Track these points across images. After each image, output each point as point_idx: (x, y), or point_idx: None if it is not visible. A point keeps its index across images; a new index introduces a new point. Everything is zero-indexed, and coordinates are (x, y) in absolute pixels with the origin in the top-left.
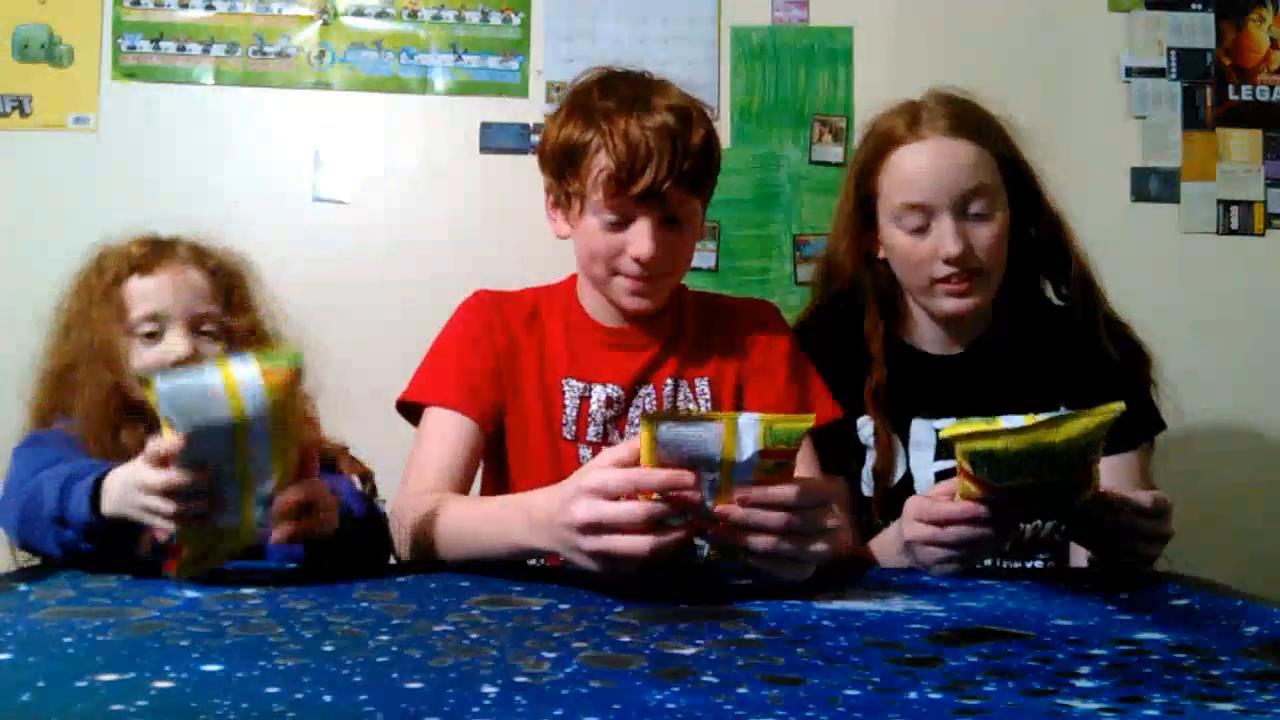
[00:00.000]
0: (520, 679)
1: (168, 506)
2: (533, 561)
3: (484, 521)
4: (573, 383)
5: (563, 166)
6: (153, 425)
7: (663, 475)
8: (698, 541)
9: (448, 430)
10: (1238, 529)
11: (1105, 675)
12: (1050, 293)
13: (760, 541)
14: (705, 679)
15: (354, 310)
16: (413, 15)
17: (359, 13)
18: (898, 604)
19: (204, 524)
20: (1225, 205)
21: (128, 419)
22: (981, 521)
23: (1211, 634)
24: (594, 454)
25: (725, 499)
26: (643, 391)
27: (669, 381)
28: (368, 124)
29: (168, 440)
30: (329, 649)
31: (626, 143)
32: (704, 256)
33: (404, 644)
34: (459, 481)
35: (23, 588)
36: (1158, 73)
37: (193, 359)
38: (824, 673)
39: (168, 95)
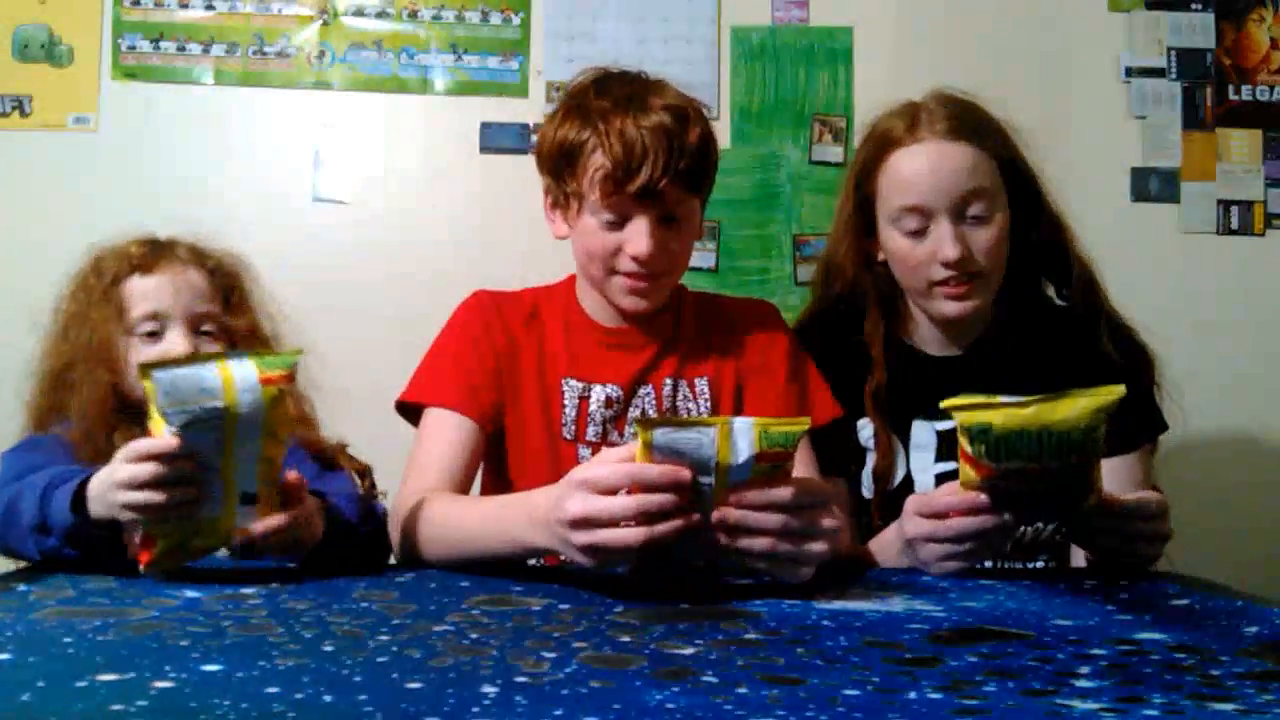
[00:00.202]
0: (520, 679)
1: (142, 498)
2: (532, 561)
3: (484, 521)
4: (572, 383)
5: (560, 166)
6: (145, 425)
7: (657, 469)
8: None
9: (448, 430)
10: (1238, 529)
11: (1105, 675)
12: (1052, 293)
13: (757, 544)
14: (705, 679)
15: (354, 310)
16: (413, 15)
17: (359, 13)
18: (898, 604)
19: (184, 514)
20: (1225, 205)
21: (123, 420)
22: (981, 511)
23: (1211, 634)
24: (593, 454)
25: (721, 503)
26: (642, 391)
27: (668, 381)
28: (368, 124)
29: (155, 437)
30: (329, 649)
31: (623, 142)
32: (704, 256)
33: (404, 644)
34: (459, 482)
35: (22, 588)
36: (1158, 73)
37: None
38: (824, 673)
39: (168, 95)
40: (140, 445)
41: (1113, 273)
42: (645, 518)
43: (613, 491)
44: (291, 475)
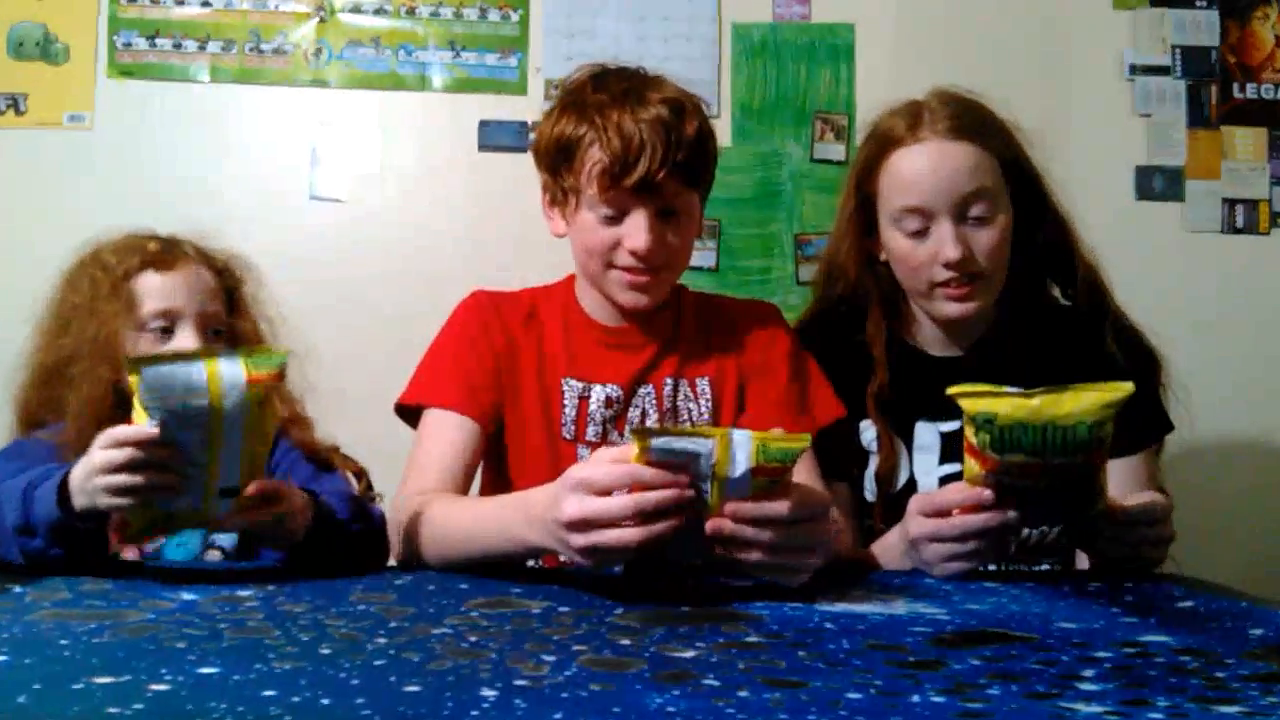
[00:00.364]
0: (519, 682)
1: (119, 481)
2: (531, 562)
3: (482, 520)
4: (572, 382)
5: (558, 162)
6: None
7: (653, 470)
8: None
9: (447, 430)
10: (1243, 530)
11: (1109, 678)
12: (1057, 293)
13: (752, 556)
14: (706, 682)
15: (351, 308)
16: (410, 12)
17: (356, 9)
18: (900, 607)
19: (162, 500)
20: (1230, 204)
21: (120, 419)
22: (985, 508)
23: (1216, 636)
24: (593, 454)
25: (718, 508)
26: (642, 391)
27: (668, 381)
28: (365, 121)
29: (137, 426)
30: (326, 652)
31: (620, 135)
32: (704, 256)
33: (402, 647)
34: (459, 482)
35: (18, 589)
36: (1162, 70)
37: None
38: (826, 676)
39: (163, 93)
40: (118, 431)
41: (1117, 272)
42: (642, 517)
43: (609, 492)
44: (268, 483)
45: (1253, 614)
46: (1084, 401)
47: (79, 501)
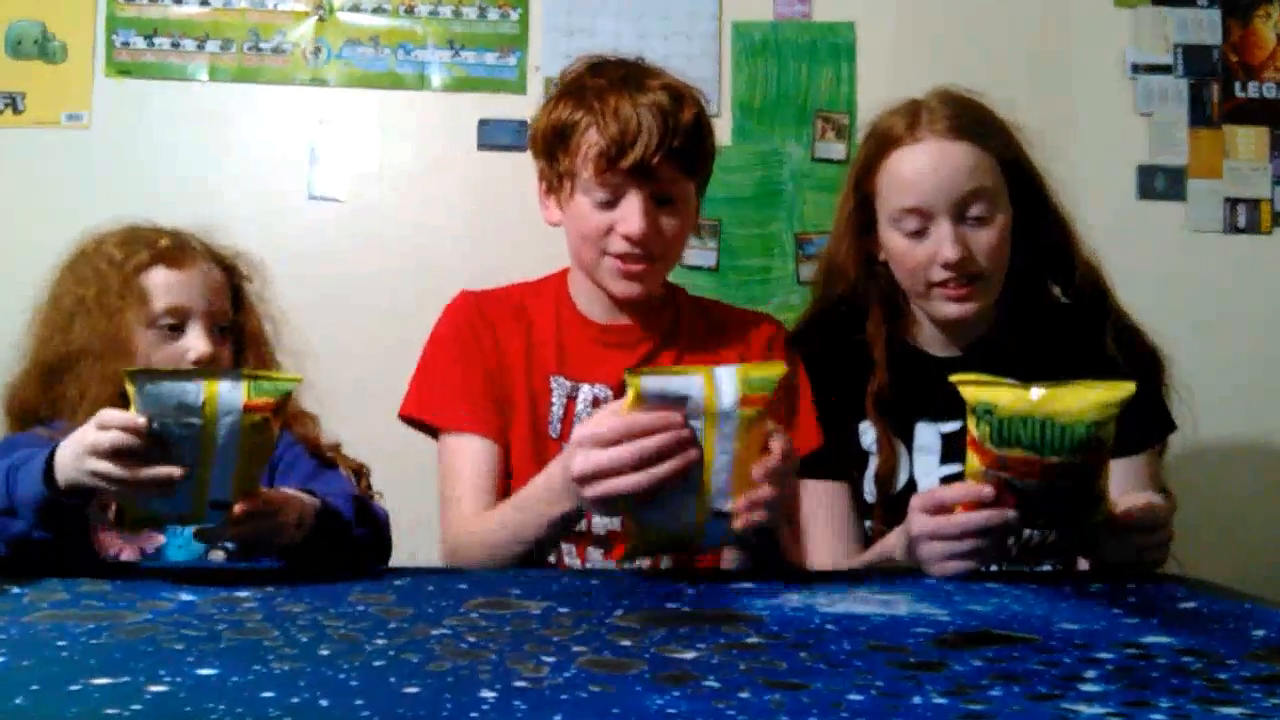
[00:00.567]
0: (519, 683)
1: (113, 469)
2: (553, 559)
3: (517, 510)
4: (561, 380)
5: (554, 147)
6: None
7: (650, 417)
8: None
9: (474, 457)
10: (1245, 531)
11: (1111, 679)
12: (1059, 292)
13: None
14: (706, 684)
15: (350, 307)
16: (409, 11)
17: (355, 8)
18: (902, 608)
19: (151, 494)
20: (1232, 203)
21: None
22: (986, 505)
23: (1218, 637)
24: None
25: (710, 446)
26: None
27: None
28: (364, 120)
29: (132, 413)
30: (325, 653)
31: (617, 118)
32: (705, 255)
33: (401, 648)
34: (493, 505)
35: (15, 590)
36: (1164, 69)
37: (211, 359)
38: (827, 677)
39: (162, 92)
40: (114, 415)
41: (1118, 271)
42: (644, 462)
43: (612, 443)
44: (261, 500)
45: (1255, 615)
46: (1085, 399)
47: (63, 476)
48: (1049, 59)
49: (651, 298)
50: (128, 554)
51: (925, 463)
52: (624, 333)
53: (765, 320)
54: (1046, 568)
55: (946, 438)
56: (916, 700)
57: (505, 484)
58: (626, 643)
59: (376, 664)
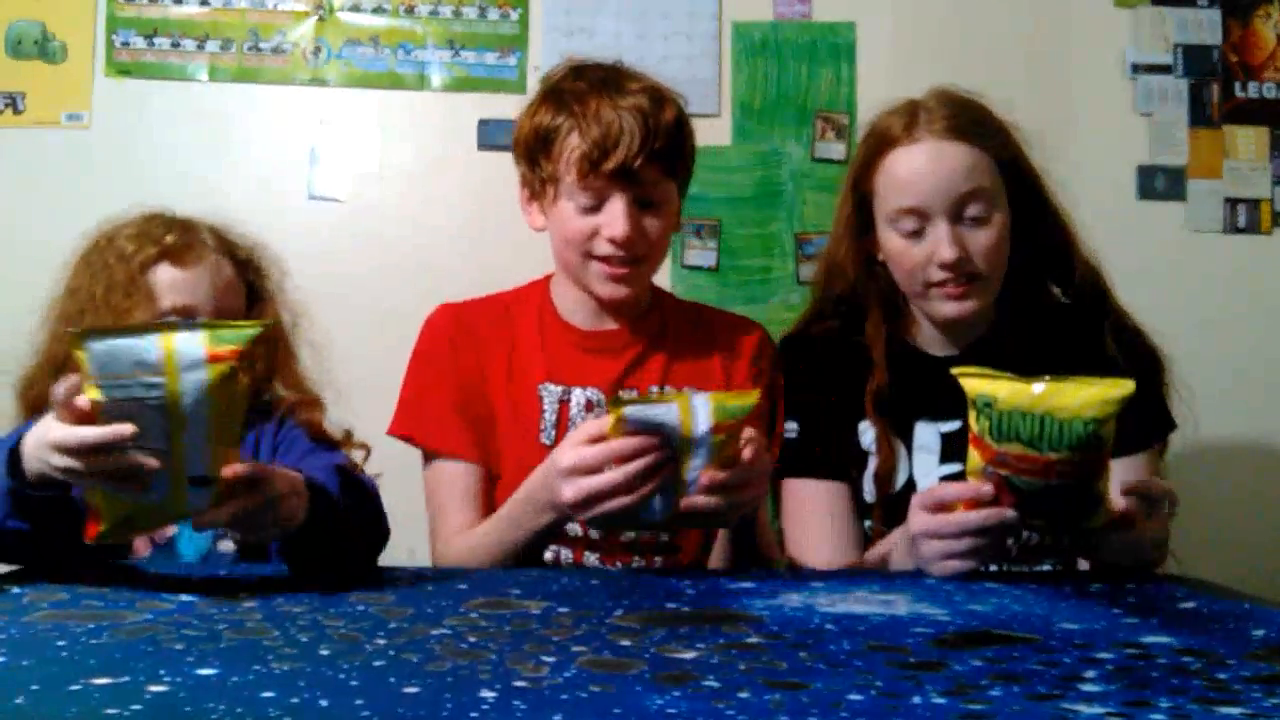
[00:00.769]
0: (519, 683)
1: (78, 465)
2: (549, 556)
3: (504, 528)
4: (550, 387)
5: (536, 152)
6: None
7: (633, 444)
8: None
9: (457, 479)
10: (1245, 531)
11: (1111, 679)
12: (1059, 292)
13: (715, 512)
14: (706, 683)
15: (350, 308)
16: (409, 11)
17: (355, 8)
18: (901, 608)
19: (121, 486)
20: (1232, 203)
21: None
22: (986, 503)
23: (1218, 637)
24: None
25: (685, 466)
26: (626, 396)
27: (654, 389)
28: (364, 120)
29: (88, 396)
30: (325, 653)
31: (599, 122)
32: (705, 255)
33: (401, 648)
34: (478, 524)
35: (15, 590)
36: (1164, 69)
37: None
38: (827, 677)
39: (162, 92)
40: (74, 401)
41: (1118, 271)
42: (631, 485)
43: (595, 470)
44: (245, 466)
45: (1255, 615)
46: (1085, 395)
47: (31, 467)
48: (1049, 59)
49: (637, 301)
50: (140, 544)
51: (924, 462)
52: (609, 338)
53: (751, 325)
54: (1046, 567)
55: (946, 437)
56: (916, 700)
57: (491, 498)
58: (626, 642)
59: (376, 664)
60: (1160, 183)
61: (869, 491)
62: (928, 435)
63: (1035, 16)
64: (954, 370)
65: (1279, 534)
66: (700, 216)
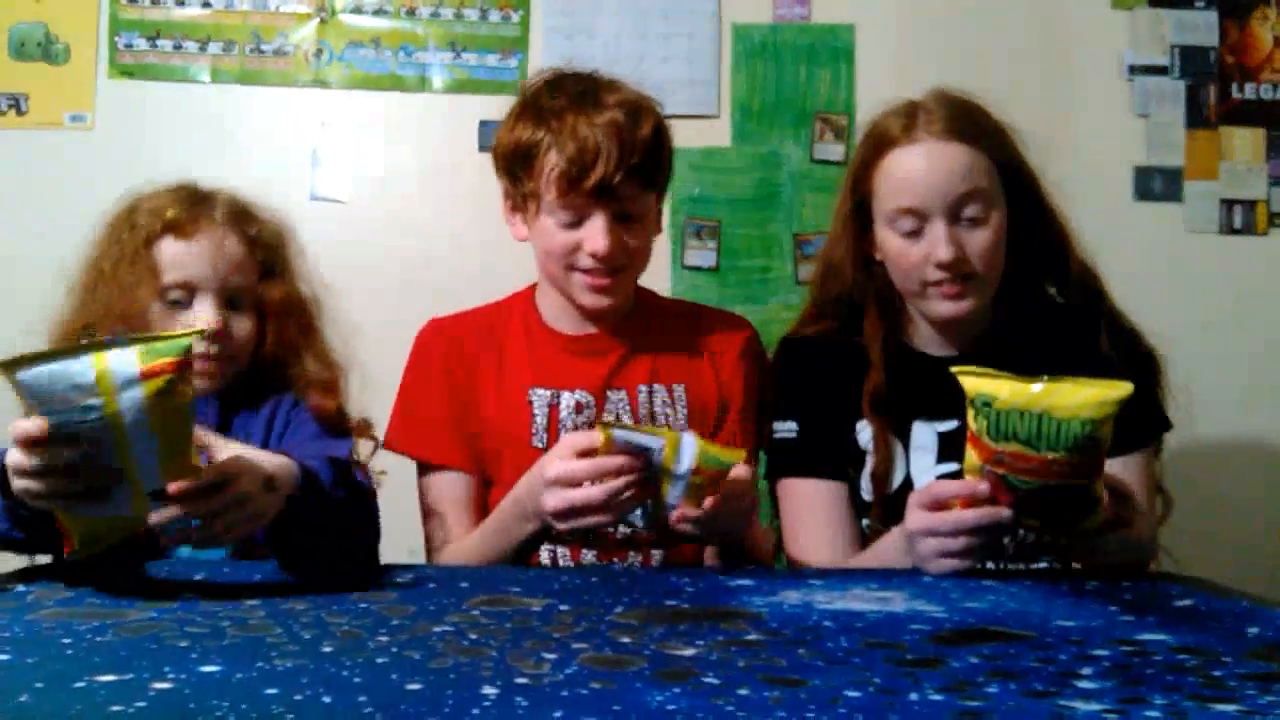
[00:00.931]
0: (520, 680)
1: (37, 487)
2: (545, 559)
3: (491, 535)
4: (540, 392)
5: (516, 167)
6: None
7: (617, 463)
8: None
9: (451, 490)
10: (1241, 530)
11: (1107, 676)
12: (1055, 293)
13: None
14: (706, 680)
15: (351, 309)
16: (411, 13)
17: (357, 10)
18: (899, 605)
19: (80, 503)
20: (1228, 204)
21: None
22: (982, 501)
23: (1214, 635)
24: (560, 441)
25: (662, 495)
26: (615, 396)
27: (642, 388)
28: (366, 122)
29: (32, 422)
30: (328, 650)
31: (575, 140)
32: (705, 255)
33: (403, 645)
34: (471, 531)
35: (20, 588)
36: (1161, 71)
37: (220, 333)
38: (825, 674)
39: (164, 93)
40: (18, 428)
41: (1115, 272)
42: (612, 502)
43: (580, 482)
44: (193, 481)
45: (1251, 613)
46: (1083, 396)
47: (16, 486)
48: (1046, 60)
49: (620, 307)
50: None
51: (922, 462)
52: (594, 341)
53: (739, 322)
54: (1043, 565)
55: (943, 437)
56: (913, 697)
57: (485, 505)
58: (626, 640)
59: (379, 661)
60: (1157, 184)
61: (866, 490)
62: (925, 435)
63: (1033, 18)
64: (953, 369)
65: (1275, 533)
66: (700, 217)
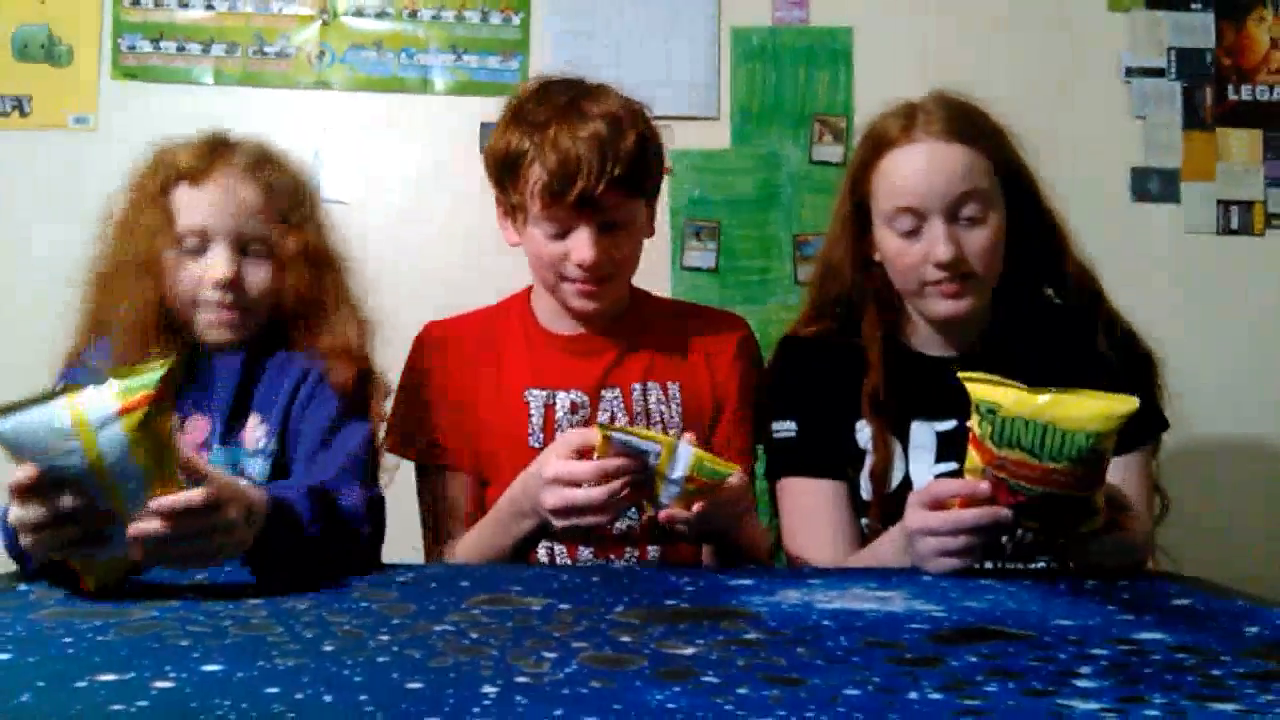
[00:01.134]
0: (521, 679)
1: (39, 540)
2: (543, 557)
3: (491, 532)
4: (535, 392)
5: (504, 177)
6: (186, 348)
7: (615, 464)
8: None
9: (448, 490)
10: (1238, 529)
11: (1106, 675)
12: (1052, 294)
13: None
14: (706, 679)
15: None
16: (413, 15)
17: (359, 13)
18: (898, 604)
19: (87, 551)
20: (1225, 205)
21: (163, 337)
22: (981, 501)
23: (1213, 634)
24: (559, 438)
25: (659, 490)
26: (609, 395)
27: (636, 387)
28: (368, 124)
29: (23, 470)
30: (329, 649)
31: (557, 153)
32: (704, 256)
33: (404, 644)
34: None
35: (22, 588)
36: (1158, 72)
37: (234, 281)
38: (825, 673)
39: (167, 95)
40: (16, 479)
41: (1113, 273)
42: (611, 502)
43: (580, 483)
44: (180, 496)
45: (1249, 612)
46: (1088, 410)
47: (21, 541)
48: (1044, 62)
49: (611, 310)
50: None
51: (920, 461)
52: (589, 341)
53: (735, 320)
54: (1041, 564)
55: (941, 436)
56: (913, 695)
57: (483, 505)
58: (627, 639)
59: (380, 660)
60: (1154, 185)
61: (865, 490)
62: (923, 435)
63: (1030, 20)
64: (960, 375)
65: (1272, 533)
66: (700, 218)
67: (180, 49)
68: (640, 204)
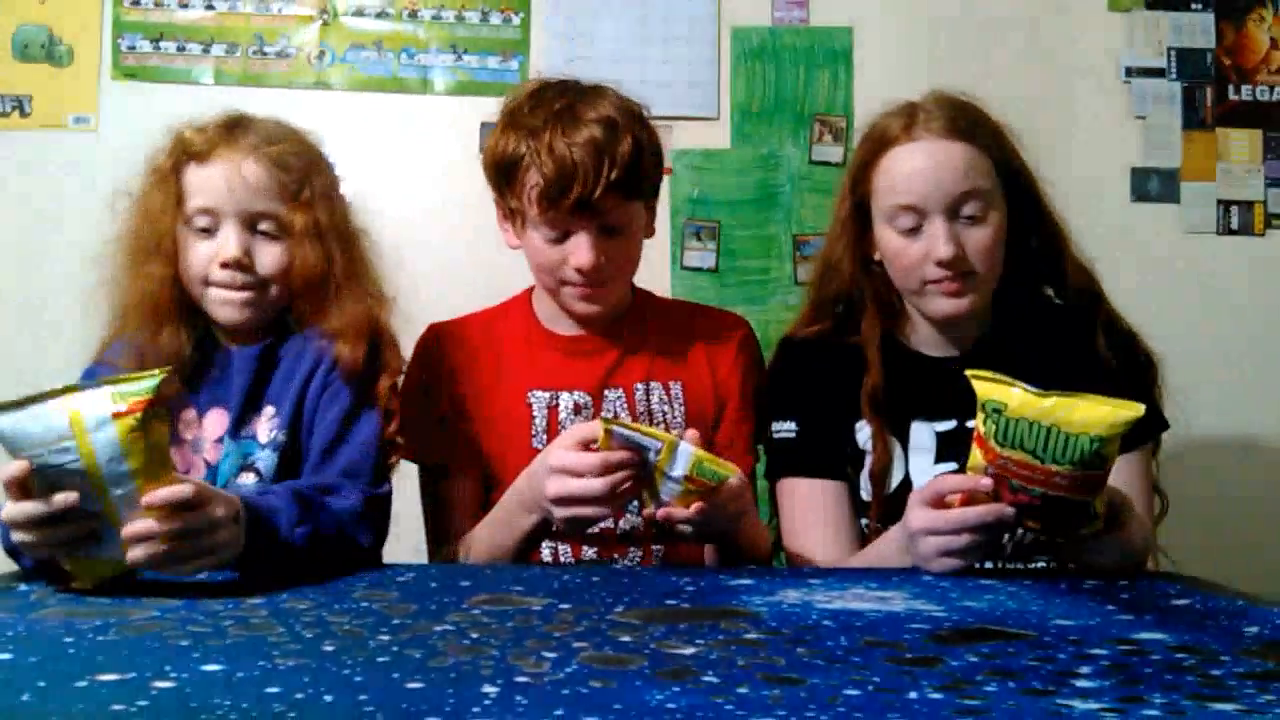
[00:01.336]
0: (521, 679)
1: (31, 538)
2: (546, 556)
3: (497, 528)
4: (538, 393)
5: (501, 181)
6: (196, 328)
7: (618, 457)
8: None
9: (452, 491)
10: (1238, 529)
11: (1106, 675)
12: (1052, 294)
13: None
14: (706, 679)
15: None
16: (413, 15)
17: (359, 13)
18: (898, 604)
19: (78, 551)
20: (1225, 205)
21: (179, 317)
22: (983, 497)
23: (1212, 634)
24: (565, 432)
25: (658, 485)
26: (611, 395)
27: (639, 386)
28: (368, 124)
29: (14, 464)
30: (329, 649)
31: (553, 158)
32: (705, 256)
33: (404, 644)
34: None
35: (23, 587)
36: (1157, 73)
37: (244, 260)
38: (824, 673)
39: (168, 95)
40: (8, 472)
41: (1113, 273)
42: (612, 494)
43: (582, 474)
44: (169, 491)
45: (1248, 612)
46: (1094, 413)
47: (14, 538)
48: (1044, 63)
49: (612, 312)
50: None
51: (920, 461)
52: (591, 342)
53: (736, 320)
54: (1041, 564)
55: (941, 436)
56: (912, 695)
57: (485, 507)
58: (627, 638)
59: (380, 660)
60: (1154, 185)
61: (865, 490)
62: (923, 435)
63: (1030, 20)
64: (968, 372)
65: (1271, 533)
66: (700, 218)
67: (180, 49)
68: (639, 206)
